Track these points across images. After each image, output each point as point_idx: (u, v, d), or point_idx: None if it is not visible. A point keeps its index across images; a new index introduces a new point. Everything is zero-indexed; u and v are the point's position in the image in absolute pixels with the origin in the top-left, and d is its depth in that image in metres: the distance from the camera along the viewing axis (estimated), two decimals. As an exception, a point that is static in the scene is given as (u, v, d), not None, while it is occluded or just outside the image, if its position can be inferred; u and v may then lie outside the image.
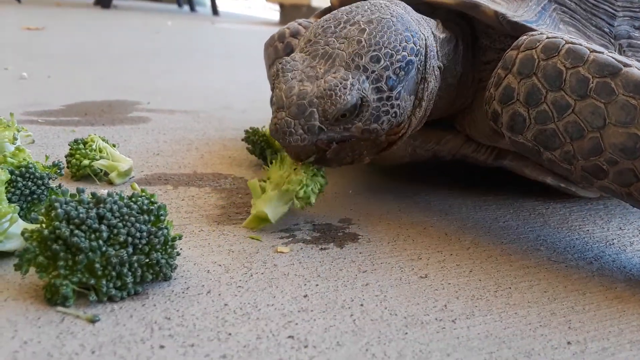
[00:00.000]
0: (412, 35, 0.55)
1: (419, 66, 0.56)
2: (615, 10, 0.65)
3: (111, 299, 0.42)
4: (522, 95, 0.54)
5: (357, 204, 0.68)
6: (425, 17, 0.62)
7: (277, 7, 4.53)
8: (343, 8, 0.59)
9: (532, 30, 0.59)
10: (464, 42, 0.67)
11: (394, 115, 0.54)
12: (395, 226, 0.61)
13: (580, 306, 0.47)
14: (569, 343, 0.41)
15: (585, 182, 0.55)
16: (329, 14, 0.59)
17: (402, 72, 0.54)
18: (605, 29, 0.64)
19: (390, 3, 0.59)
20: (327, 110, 0.51)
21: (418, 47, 0.56)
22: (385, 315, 0.43)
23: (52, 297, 0.41)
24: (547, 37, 0.55)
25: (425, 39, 0.57)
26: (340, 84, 0.51)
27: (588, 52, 0.52)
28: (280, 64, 0.54)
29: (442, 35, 0.61)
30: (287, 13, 4.26)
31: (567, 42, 0.54)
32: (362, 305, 0.45)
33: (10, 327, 0.39)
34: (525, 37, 0.56)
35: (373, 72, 0.53)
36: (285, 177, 0.57)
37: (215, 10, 4.78)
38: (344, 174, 0.79)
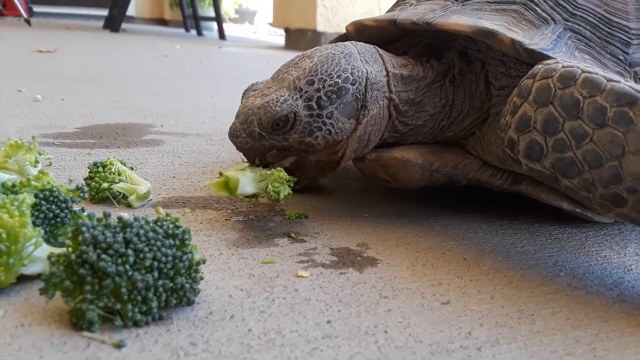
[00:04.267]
0: (351, 68, 0.65)
1: (357, 94, 0.65)
2: (630, 38, 0.66)
3: (136, 324, 0.42)
4: (539, 123, 0.55)
5: (373, 228, 0.68)
6: (390, 57, 0.70)
7: (283, 32, 4.60)
8: (317, 47, 0.69)
9: (549, 57, 0.60)
10: (472, 71, 0.71)
11: (327, 132, 0.64)
12: (413, 251, 0.61)
13: (603, 334, 0.47)
14: (595, 372, 0.41)
15: (604, 209, 0.55)
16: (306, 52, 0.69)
17: (334, 96, 0.63)
18: (620, 57, 0.65)
19: (354, 46, 0.68)
20: (262, 119, 0.62)
21: (355, 77, 0.65)
22: (410, 342, 0.43)
23: (77, 322, 0.41)
24: (563, 66, 0.55)
25: (367, 74, 0.66)
26: (276, 98, 0.62)
27: (605, 81, 0.53)
28: (250, 86, 0.68)
29: (398, 72, 0.69)
30: (293, 38, 4.32)
31: (583, 71, 0.54)
32: (386, 332, 0.44)
33: (36, 353, 0.39)
34: (540, 65, 0.57)
35: (306, 92, 0.63)
36: (265, 173, 0.64)
37: (222, 35, 4.85)
38: (360, 199, 0.79)
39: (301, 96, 0.63)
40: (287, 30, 4.41)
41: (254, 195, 0.64)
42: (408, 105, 0.70)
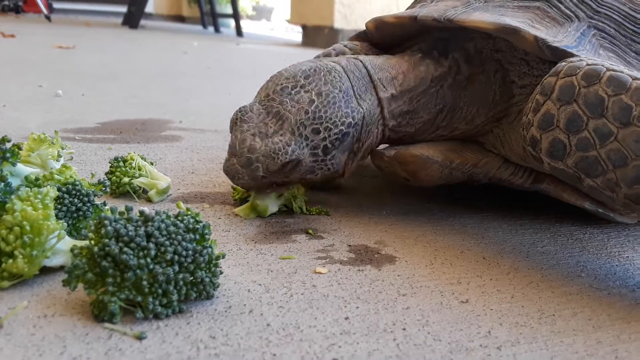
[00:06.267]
0: (351, 111, 0.65)
1: (354, 134, 0.66)
2: (656, 36, 0.65)
3: (157, 316, 0.43)
4: (563, 121, 0.54)
5: (391, 225, 0.68)
6: (381, 73, 0.69)
7: (300, 29, 4.60)
8: (303, 68, 0.66)
9: (573, 55, 0.59)
10: (483, 72, 0.70)
11: (327, 169, 0.66)
12: (432, 249, 0.61)
13: (625, 335, 0.46)
14: (618, 374, 0.41)
15: (628, 209, 0.54)
16: (289, 72, 0.66)
17: (338, 142, 0.65)
18: (645, 55, 0.64)
19: (345, 71, 0.67)
20: (269, 166, 0.62)
21: (356, 121, 0.66)
22: (428, 340, 0.43)
23: (99, 313, 0.42)
24: (587, 64, 0.55)
25: (364, 113, 0.67)
26: (284, 148, 0.62)
27: (630, 79, 0.52)
28: (240, 113, 0.64)
29: (388, 94, 0.69)
30: (310, 34, 4.32)
31: (608, 70, 0.53)
32: (404, 329, 0.44)
33: (59, 343, 0.39)
34: (564, 63, 0.56)
35: (312, 141, 0.64)
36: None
37: (239, 32, 4.87)
38: (378, 196, 0.79)
39: (307, 145, 0.63)
40: (304, 27, 4.41)
41: (279, 210, 0.69)
42: (401, 117, 0.70)
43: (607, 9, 0.66)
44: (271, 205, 0.67)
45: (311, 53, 3.55)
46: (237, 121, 0.64)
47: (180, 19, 7.48)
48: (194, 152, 0.95)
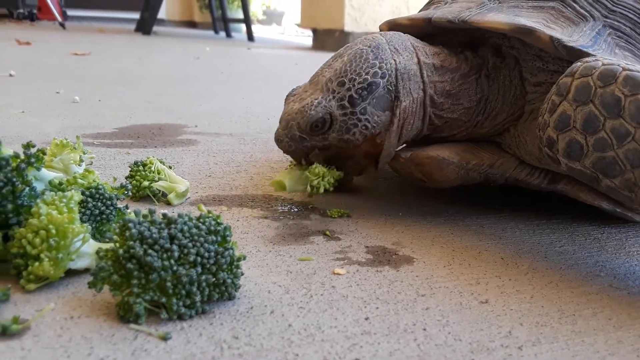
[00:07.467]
0: (379, 62, 0.66)
1: (388, 87, 0.66)
2: (672, 35, 0.64)
3: (180, 317, 0.44)
4: (579, 122, 0.54)
5: (408, 226, 0.68)
6: (423, 45, 0.71)
7: (310, 33, 4.61)
8: (349, 43, 0.71)
9: (588, 55, 0.59)
10: (505, 66, 0.71)
11: (364, 127, 0.66)
12: (449, 250, 0.61)
13: (647, 335, 0.46)
14: (640, 373, 0.41)
15: (647, 208, 0.54)
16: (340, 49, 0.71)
17: (365, 92, 0.65)
18: (662, 54, 0.64)
19: (383, 36, 0.69)
20: (300, 123, 0.65)
21: (384, 70, 0.66)
22: (449, 340, 0.43)
23: (125, 315, 0.43)
24: (603, 64, 0.55)
25: (396, 64, 0.67)
26: (310, 102, 0.65)
27: (647, 78, 0.52)
28: (290, 91, 0.71)
29: (430, 61, 0.70)
30: (320, 38, 4.33)
31: (624, 69, 0.53)
32: (425, 329, 0.45)
33: (86, 344, 0.40)
34: (579, 63, 0.56)
35: (338, 93, 0.65)
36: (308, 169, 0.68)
37: (250, 36, 4.89)
38: (393, 197, 0.79)
39: (334, 97, 0.65)
40: (314, 31, 4.43)
41: (304, 189, 0.68)
42: (444, 97, 0.70)
43: (623, 8, 0.66)
44: (295, 183, 0.67)
45: (322, 56, 3.56)
46: (287, 97, 0.70)
47: (192, 24, 7.53)
48: (210, 156, 0.96)
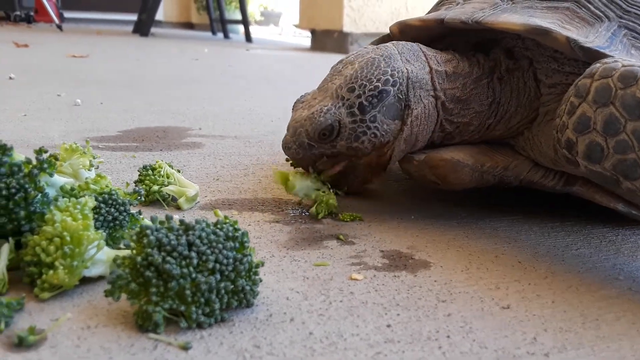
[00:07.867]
0: (391, 70, 0.65)
1: (399, 95, 0.65)
2: (688, 35, 0.64)
3: (200, 326, 0.43)
4: (599, 124, 0.53)
5: (422, 230, 0.67)
6: (434, 54, 0.70)
7: (308, 33, 4.60)
8: (359, 50, 0.70)
9: (605, 56, 0.59)
10: (519, 68, 0.70)
11: (373, 135, 0.65)
12: (465, 253, 0.61)
13: (672, 340, 0.45)
14: (670, 379, 0.40)
15: (667, 210, 0.53)
16: (348, 56, 0.70)
17: (375, 100, 0.64)
18: (678, 54, 0.63)
19: (395, 47, 0.69)
20: (309, 130, 0.64)
21: (395, 78, 0.65)
22: (474, 348, 0.42)
23: (143, 324, 0.42)
24: (623, 65, 0.54)
25: (408, 73, 0.66)
26: (320, 109, 0.64)
27: (668, 79, 0.51)
28: (300, 98, 0.70)
29: (442, 69, 0.69)
30: (319, 39, 4.32)
31: (644, 70, 0.53)
32: (448, 337, 0.44)
33: (105, 354, 0.39)
34: (598, 64, 0.56)
35: (348, 99, 0.65)
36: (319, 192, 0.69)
37: (248, 37, 4.88)
38: (405, 200, 0.79)
39: (343, 104, 0.64)
40: (313, 32, 4.42)
41: (302, 198, 0.70)
42: (454, 102, 0.69)
43: (638, 9, 0.65)
44: (300, 191, 0.67)
45: (320, 57, 3.55)
46: (295, 104, 0.70)
47: (189, 25, 7.52)
48: (217, 159, 0.95)
